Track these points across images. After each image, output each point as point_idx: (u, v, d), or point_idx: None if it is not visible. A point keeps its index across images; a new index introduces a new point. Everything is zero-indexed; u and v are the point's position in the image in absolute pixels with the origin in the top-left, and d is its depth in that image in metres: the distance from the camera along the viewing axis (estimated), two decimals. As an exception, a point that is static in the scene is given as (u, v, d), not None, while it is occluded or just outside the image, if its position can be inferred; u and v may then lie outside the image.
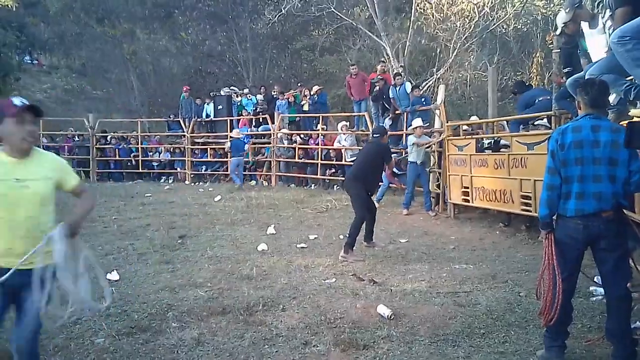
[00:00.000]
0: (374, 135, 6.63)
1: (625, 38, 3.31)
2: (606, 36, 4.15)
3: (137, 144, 14.86)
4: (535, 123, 7.06)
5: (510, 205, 6.85)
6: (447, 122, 9.07)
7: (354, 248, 5.78)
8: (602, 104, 3.17)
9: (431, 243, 6.62)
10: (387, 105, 11.07)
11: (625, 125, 3.10)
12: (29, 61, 31.05)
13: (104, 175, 14.85)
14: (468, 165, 7.80)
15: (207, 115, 14.95)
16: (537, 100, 7.29)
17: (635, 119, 4.16)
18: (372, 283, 4.69)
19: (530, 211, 6.27)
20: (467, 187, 7.82)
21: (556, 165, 3.03)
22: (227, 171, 13.56)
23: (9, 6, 33.86)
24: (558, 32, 4.95)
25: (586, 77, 4.23)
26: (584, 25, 4.87)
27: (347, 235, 5.87)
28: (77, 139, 15.35)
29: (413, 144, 8.65)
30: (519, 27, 16.25)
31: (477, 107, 16.32)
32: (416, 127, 8.83)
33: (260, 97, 14.07)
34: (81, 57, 25.90)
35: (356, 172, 6.24)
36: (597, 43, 4.45)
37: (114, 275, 4.93)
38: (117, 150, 15.06)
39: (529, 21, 16.66)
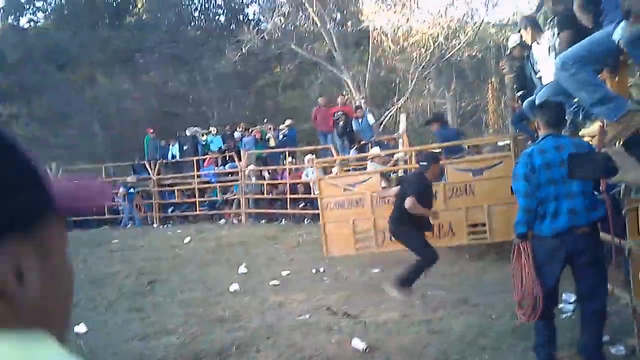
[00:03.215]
0: (421, 164, 5.59)
1: (568, 64, 3.50)
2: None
3: (122, 189, 14.58)
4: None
5: (451, 239, 6.51)
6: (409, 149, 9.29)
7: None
8: (561, 123, 3.33)
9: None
10: (352, 138, 11.26)
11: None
12: (-13, 111, 30.45)
13: (69, 223, 14.49)
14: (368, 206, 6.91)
15: (173, 157, 14.85)
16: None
17: (586, 139, 4.37)
18: (346, 316, 4.69)
19: (486, 239, 6.30)
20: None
21: (531, 189, 3.11)
22: (195, 211, 13.43)
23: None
24: (507, 52, 5.20)
25: (537, 100, 4.44)
26: (536, 50, 5.12)
27: (405, 276, 5.21)
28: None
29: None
30: (473, 54, 16.89)
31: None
32: (374, 157, 9.10)
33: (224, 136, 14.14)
34: (42, 105, 25.52)
35: (396, 213, 5.40)
36: (548, 66, 4.67)
37: (81, 328, 4.79)
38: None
39: (482, 48, 17.32)
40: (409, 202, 5.06)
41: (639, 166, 1.69)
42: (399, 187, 5.75)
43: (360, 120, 10.86)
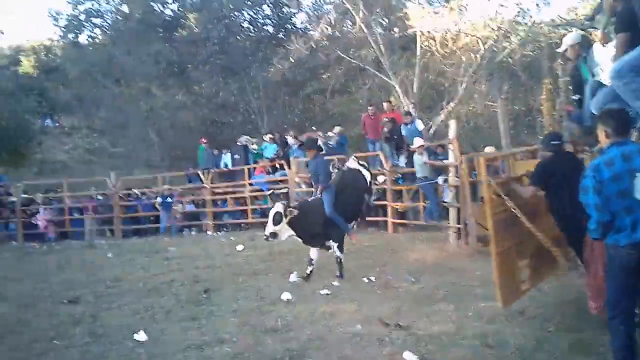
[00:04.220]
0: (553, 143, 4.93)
1: (622, 72, 3.37)
2: None
3: (159, 198, 15.09)
4: None
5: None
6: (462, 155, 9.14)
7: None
8: (627, 130, 3.23)
9: (456, 280, 6.57)
10: (399, 144, 11.20)
11: None
12: (51, 124, 32.19)
13: (128, 231, 15.07)
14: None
15: (225, 165, 15.23)
16: None
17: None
18: (397, 328, 4.67)
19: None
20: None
21: (602, 202, 3.05)
22: (247, 219, 13.72)
23: (30, 73, 35.38)
24: (561, 49, 4.99)
25: (593, 107, 4.28)
26: (597, 52, 4.87)
27: None
28: (100, 198, 15.69)
29: (425, 163, 8.94)
30: (525, 54, 16.42)
31: (491, 138, 16.37)
32: (418, 146, 9.57)
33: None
34: (100, 117, 26.70)
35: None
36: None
37: (141, 336, 4.97)
38: (139, 206, 15.33)
39: (535, 48, 16.83)
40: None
41: None
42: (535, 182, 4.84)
43: (409, 126, 10.78)
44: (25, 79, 28.42)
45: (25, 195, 15.07)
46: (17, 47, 48.98)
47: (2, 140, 19.74)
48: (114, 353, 4.60)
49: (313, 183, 7.57)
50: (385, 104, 13.03)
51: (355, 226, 7.87)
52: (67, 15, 24.90)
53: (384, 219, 11.17)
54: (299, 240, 7.21)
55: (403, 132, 11.00)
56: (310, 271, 7.12)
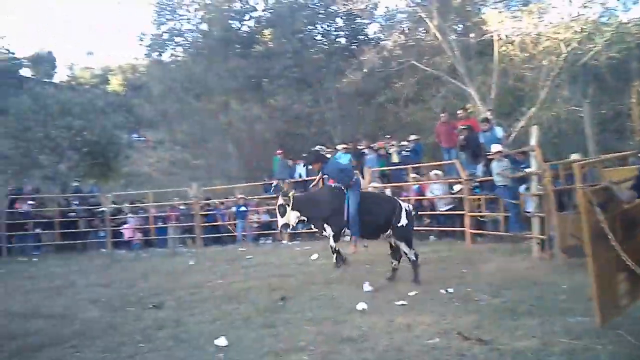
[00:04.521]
0: None
1: None
2: None
3: (235, 208, 15.56)
4: None
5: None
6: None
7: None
8: None
9: (540, 294, 6.24)
10: (476, 152, 10.87)
11: None
12: (137, 138, 34.22)
13: (208, 240, 15.64)
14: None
15: (300, 176, 15.45)
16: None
17: None
18: (479, 342, 4.50)
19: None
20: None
21: None
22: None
23: (118, 91, 37.76)
24: None
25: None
26: None
27: None
28: (182, 207, 16.41)
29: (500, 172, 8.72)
30: (612, 54, 15.47)
31: (576, 145, 15.52)
32: (495, 152, 9.28)
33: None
34: (182, 131, 28.02)
35: None
36: None
37: (221, 341, 5.11)
38: (218, 215, 15.88)
39: (622, 49, 15.83)
40: None
41: None
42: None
43: (487, 134, 10.44)
44: (113, 96, 30.47)
45: (113, 205, 16.05)
46: (106, 67, 52.63)
47: (93, 154, 21.17)
48: (195, 358, 4.76)
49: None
50: (460, 112, 12.72)
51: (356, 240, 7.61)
52: (151, 35, 26.48)
53: (461, 229, 10.86)
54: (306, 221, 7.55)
55: (481, 140, 10.67)
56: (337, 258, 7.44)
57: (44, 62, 56.58)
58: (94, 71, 57.18)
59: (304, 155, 12.79)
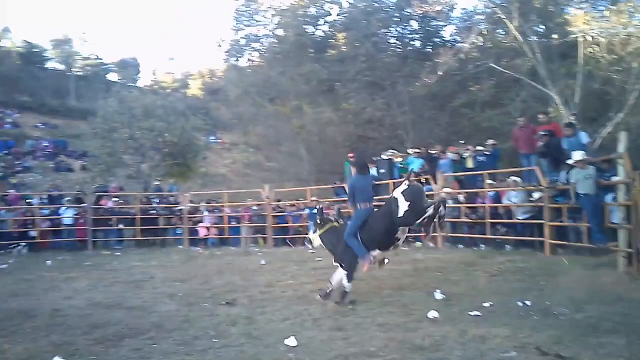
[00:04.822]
0: None
1: None
2: None
3: (307, 210, 15.71)
4: None
5: None
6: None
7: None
8: None
9: (627, 311, 5.81)
10: (558, 158, 10.32)
11: None
12: (214, 140, 35.49)
13: (279, 240, 15.92)
14: None
15: (371, 179, 15.36)
16: None
17: None
18: (558, 358, 4.27)
19: None
20: None
21: None
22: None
23: (197, 95, 39.35)
24: None
25: None
26: None
27: None
28: (255, 208, 16.81)
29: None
30: None
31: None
32: (577, 160, 8.78)
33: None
34: (257, 134, 28.77)
35: None
36: None
37: (291, 341, 5.16)
38: (289, 216, 16.12)
39: None
40: None
41: None
42: None
43: (571, 139, 9.89)
44: (193, 100, 31.76)
45: (191, 204, 16.70)
46: (186, 72, 55.05)
47: (173, 155, 22.14)
48: (266, 356, 4.83)
49: (350, 201, 7.13)
50: (541, 116, 12.16)
51: (374, 255, 6.97)
52: (229, 41, 27.40)
53: (540, 239, 10.37)
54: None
55: (564, 145, 10.12)
56: (330, 290, 6.98)
57: (130, 67, 60.15)
58: (175, 76, 60.10)
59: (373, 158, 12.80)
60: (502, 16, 15.25)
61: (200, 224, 16.48)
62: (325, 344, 5.15)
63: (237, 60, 28.06)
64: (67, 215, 15.61)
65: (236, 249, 14.42)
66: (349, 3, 25.97)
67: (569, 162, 9.67)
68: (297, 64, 24.90)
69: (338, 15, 26.56)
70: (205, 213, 16.73)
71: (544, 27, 17.17)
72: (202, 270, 10.22)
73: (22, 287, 8.68)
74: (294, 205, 16.57)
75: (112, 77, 58.07)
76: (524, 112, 15.79)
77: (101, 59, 56.68)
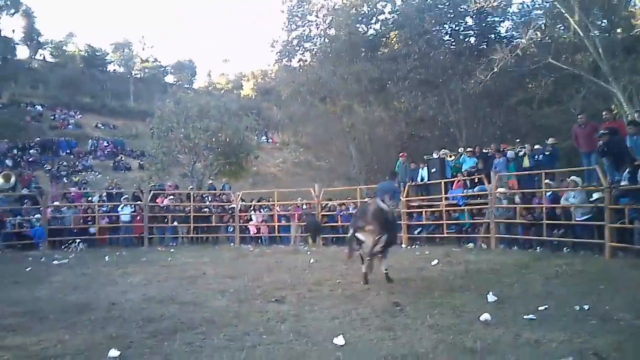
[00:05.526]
0: None
1: None
2: None
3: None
4: None
5: None
6: None
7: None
8: None
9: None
10: (622, 157, 9.81)
11: None
12: (265, 140, 35.99)
13: (328, 239, 15.95)
14: None
15: (422, 179, 15.17)
16: None
17: None
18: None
19: None
20: None
21: None
22: (442, 234, 13.45)
23: (249, 95, 40.01)
24: None
25: None
26: None
27: None
28: (305, 207, 16.92)
29: None
30: None
31: None
32: None
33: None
34: (307, 133, 28.93)
35: None
36: None
37: (339, 340, 5.13)
38: (339, 216, 16.13)
39: None
40: None
41: None
42: None
43: (635, 138, 9.39)
44: (245, 100, 32.31)
45: (242, 203, 17.00)
46: (240, 73, 56.19)
47: (226, 154, 22.62)
48: (314, 353, 4.82)
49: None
50: (605, 113, 11.61)
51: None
52: (282, 41, 27.65)
53: (600, 241, 9.90)
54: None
55: (628, 144, 9.62)
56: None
57: (186, 70, 61.97)
58: (229, 77, 61.42)
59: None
60: (563, 10, 14.63)
61: (251, 222, 16.74)
62: (374, 343, 5.09)
63: (289, 60, 28.28)
64: (125, 212, 16.23)
65: (285, 247, 14.56)
66: (402, 0, 25.68)
67: (637, 163, 9.20)
68: (349, 63, 24.84)
69: (390, 13, 26.31)
70: (256, 211, 16.99)
71: (606, 21, 16.41)
72: (252, 268, 10.37)
73: (81, 281, 9.08)
74: (343, 204, 16.56)
75: (169, 79, 60.04)
76: (583, 110, 15.15)
77: (159, 61, 58.74)
